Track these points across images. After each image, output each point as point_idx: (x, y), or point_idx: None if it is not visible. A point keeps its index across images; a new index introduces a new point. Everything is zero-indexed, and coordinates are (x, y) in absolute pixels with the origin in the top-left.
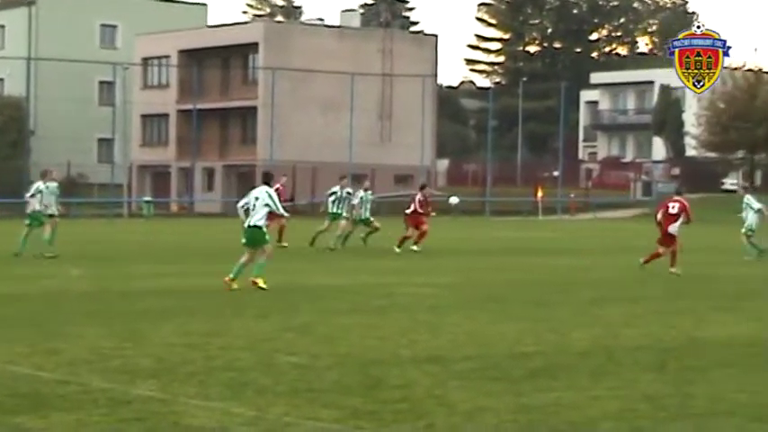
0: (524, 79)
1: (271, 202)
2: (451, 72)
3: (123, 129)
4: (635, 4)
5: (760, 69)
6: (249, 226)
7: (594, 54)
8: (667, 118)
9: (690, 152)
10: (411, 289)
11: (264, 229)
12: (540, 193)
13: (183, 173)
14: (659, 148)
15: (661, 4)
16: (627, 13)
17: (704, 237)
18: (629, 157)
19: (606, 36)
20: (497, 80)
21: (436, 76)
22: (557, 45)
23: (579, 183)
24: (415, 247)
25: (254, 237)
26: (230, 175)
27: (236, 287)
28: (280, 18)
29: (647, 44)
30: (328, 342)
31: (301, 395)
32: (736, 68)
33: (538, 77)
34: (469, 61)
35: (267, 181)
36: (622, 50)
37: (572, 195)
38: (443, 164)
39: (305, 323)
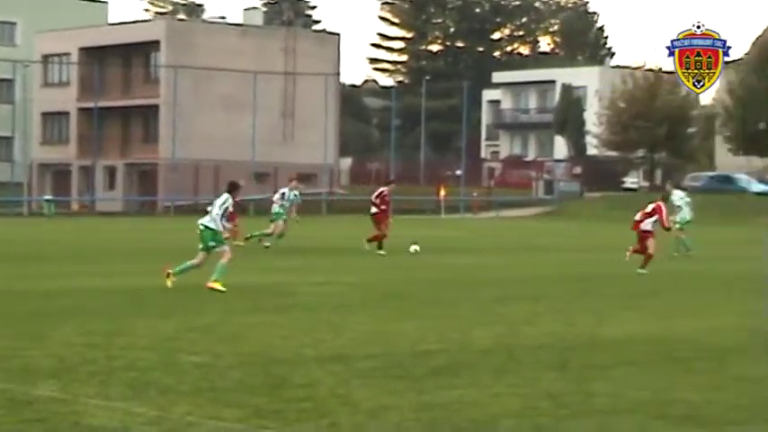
0: (427, 78)
1: (217, 207)
2: (354, 71)
3: (23, 127)
4: (536, 4)
5: (660, 69)
6: (202, 226)
7: (497, 53)
8: (569, 117)
9: (591, 151)
10: (315, 288)
11: (216, 230)
12: (442, 192)
13: (85, 171)
14: (561, 147)
15: (562, 3)
16: (529, 13)
17: (607, 235)
18: (531, 156)
19: (508, 35)
20: (400, 79)
21: (339, 74)
22: (459, 44)
23: (482, 181)
24: (376, 250)
25: (205, 237)
26: (132, 173)
27: (169, 284)
28: (181, 16)
29: (548, 44)
30: (232, 341)
31: (204, 394)
32: (636, 68)
33: (440, 76)
34: (372, 60)
35: (230, 190)
36: (524, 50)
37: (474, 194)
38: (346, 162)
39: (208, 323)
